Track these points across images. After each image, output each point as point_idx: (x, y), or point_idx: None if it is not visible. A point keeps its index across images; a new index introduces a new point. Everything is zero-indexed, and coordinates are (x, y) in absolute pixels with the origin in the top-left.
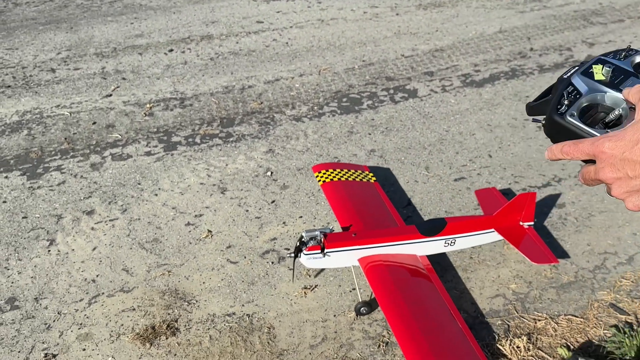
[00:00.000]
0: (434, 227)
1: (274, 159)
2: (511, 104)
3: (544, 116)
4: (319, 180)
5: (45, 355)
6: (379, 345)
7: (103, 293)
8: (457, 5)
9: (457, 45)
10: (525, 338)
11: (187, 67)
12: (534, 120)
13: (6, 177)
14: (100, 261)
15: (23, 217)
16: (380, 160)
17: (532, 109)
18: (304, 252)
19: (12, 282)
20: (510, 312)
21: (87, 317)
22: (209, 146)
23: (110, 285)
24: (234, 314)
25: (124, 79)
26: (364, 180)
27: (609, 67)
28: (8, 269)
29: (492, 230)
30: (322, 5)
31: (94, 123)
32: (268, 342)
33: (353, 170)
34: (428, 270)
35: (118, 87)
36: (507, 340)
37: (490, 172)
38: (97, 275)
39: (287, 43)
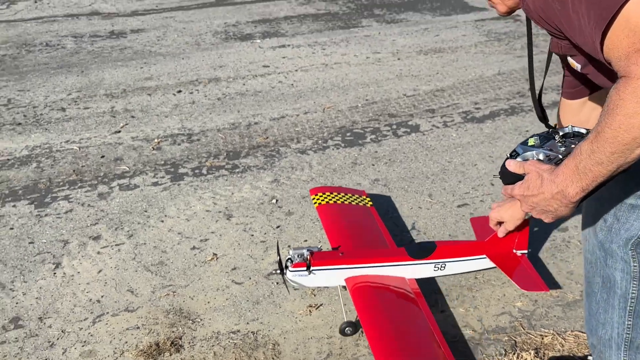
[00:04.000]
0: (424, 250)
1: (279, 187)
2: (511, 138)
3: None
4: (315, 202)
5: None
6: None
7: (107, 312)
8: (456, 51)
9: (457, 86)
10: (532, 352)
11: (195, 106)
12: (495, 176)
13: (14, 205)
14: (106, 283)
15: (29, 243)
16: (384, 189)
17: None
18: (290, 268)
19: (17, 303)
20: (516, 328)
21: (91, 335)
22: (215, 177)
23: (114, 305)
24: (238, 331)
25: (132, 117)
26: (360, 204)
27: (537, 137)
28: (13, 290)
29: (484, 256)
30: (326, 52)
31: (103, 157)
32: (272, 358)
33: (350, 195)
34: (416, 294)
35: (127, 124)
36: (514, 354)
37: (492, 199)
38: (102, 296)
39: (292, 84)
